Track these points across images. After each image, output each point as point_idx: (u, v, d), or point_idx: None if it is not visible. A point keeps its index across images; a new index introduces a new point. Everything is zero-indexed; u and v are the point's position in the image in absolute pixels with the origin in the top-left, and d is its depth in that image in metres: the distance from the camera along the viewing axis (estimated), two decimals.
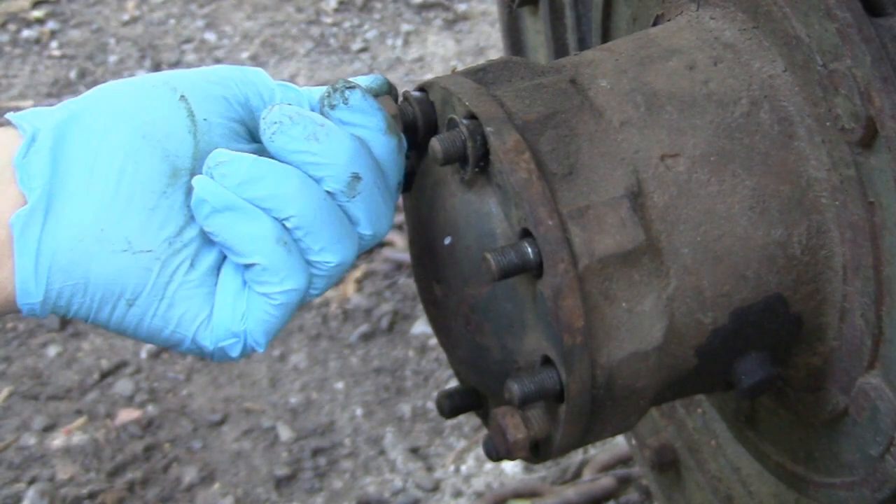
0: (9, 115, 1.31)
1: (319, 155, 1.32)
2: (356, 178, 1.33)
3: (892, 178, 1.29)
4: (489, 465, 2.64)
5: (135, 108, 1.31)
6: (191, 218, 1.32)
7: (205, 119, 1.32)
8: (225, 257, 1.34)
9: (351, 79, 1.38)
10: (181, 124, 1.31)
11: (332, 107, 1.35)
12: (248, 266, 1.33)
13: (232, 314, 1.34)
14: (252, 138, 1.37)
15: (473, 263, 1.38)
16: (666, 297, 1.36)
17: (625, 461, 2.60)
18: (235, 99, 1.35)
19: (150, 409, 2.80)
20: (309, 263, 1.34)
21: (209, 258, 1.33)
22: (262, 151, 1.35)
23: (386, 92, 1.41)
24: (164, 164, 1.30)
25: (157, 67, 3.74)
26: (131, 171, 1.29)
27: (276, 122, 1.32)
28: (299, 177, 1.31)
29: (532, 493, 2.56)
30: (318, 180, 1.32)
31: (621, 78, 1.41)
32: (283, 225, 1.32)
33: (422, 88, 1.43)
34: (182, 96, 1.32)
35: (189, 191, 1.31)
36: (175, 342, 1.33)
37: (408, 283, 3.00)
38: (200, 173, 1.31)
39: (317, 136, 1.32)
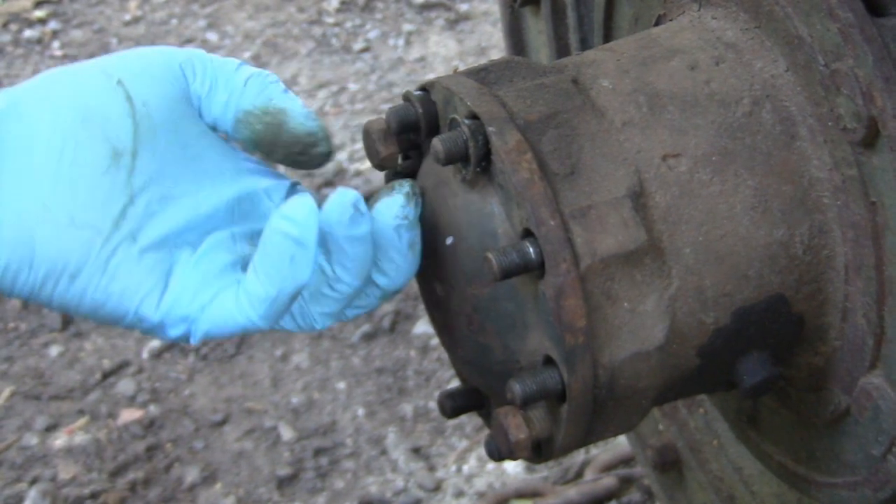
0: None
1: (400, 266, 1.41)
2: (396, 292, 1.43)
3: (894, 177, 1.29)
4: (491, 465, 2.64)
5: (72, 94, 1.34)
6: (133, 197, 1.34)
7: (143, 103, 1.35)
8: (162, 244, 1.37)
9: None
10: (119, 109, 1.34)
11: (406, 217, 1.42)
12: (254, 275, 1.36)
13: (192, 300, 1.37)
14: (196, 114, 1.39)
15: (475, 263, 1.38)
16: (668, 296, 1.36)
17: (627, 461, 2.60)
18: (175, 78, 1.37)
19: (152, 409, 2.80)
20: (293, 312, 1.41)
21: (152, 234, 1.36)
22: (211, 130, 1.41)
23: (309, 138, 1.44)
24: (105, 146, 1.33)
25: None
26: (71, 152, 1.32)
27: (405, 218, 1.39)
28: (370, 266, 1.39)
29: (534, 493, 2.56)
30: (380, 272, 1.41)
31: (623, 78, 1.41)
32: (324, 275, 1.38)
33: (424, 88, 1.43)
34: (119, 81, 1.35)
35: (132, 170, 1.34)
36: (118, 316, 1.36)
37: (409, 283, 3.00)
38: (139, 154, 1.34)
39: (415, 247, 1.40)
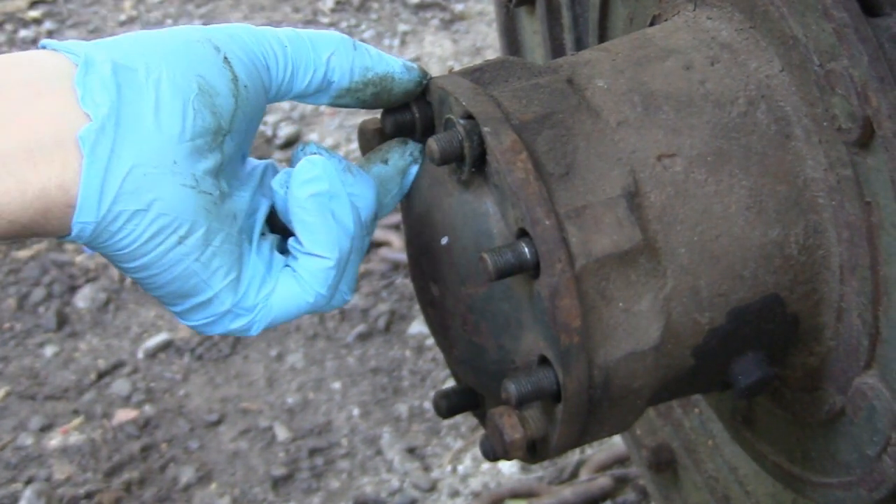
0: (45, 42, 1.30)
1: (355, 186, 1.36)
2: (376, 216, 1.39)
3: (889, 177, 1.29)
4: (486, 465, 2.64)
5: (187, 61, 1.31)
6: (226, 178, 1.33)
7: (245, 86, 1.33)
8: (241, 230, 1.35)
9: (389, 69, 1.41)
10: (227, 86, 1.32)
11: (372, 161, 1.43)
12: (307, 254, 1.35)
13: (259, 289, 1.35)
14: (264, 104, 1.39)
15: (470, 263, 1.38)
16: (663, 297, 1.36)
17: (622, 461, 2.60)
18: (261, 64, 1.35)
19: (147, 409, 2.80)
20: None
21: (241, 217, 1.34)
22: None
23: (417, 88, 1.43)
24: (213, 121, 1.30)
25: None
26: (191, 119, 1.29)
27: (315, 153, 1.36)
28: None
29: (529, 493, 2.56)
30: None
31: (618, 78, 1.41)
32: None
33: None
34: (226, 58, 1.32)
35: (223, 150, 1.32)
36: (196, 292, 1.32)
37: (405, 283, 3.00)
38: (227, 137, 1.32)
39: (350, 169, 1.37)
